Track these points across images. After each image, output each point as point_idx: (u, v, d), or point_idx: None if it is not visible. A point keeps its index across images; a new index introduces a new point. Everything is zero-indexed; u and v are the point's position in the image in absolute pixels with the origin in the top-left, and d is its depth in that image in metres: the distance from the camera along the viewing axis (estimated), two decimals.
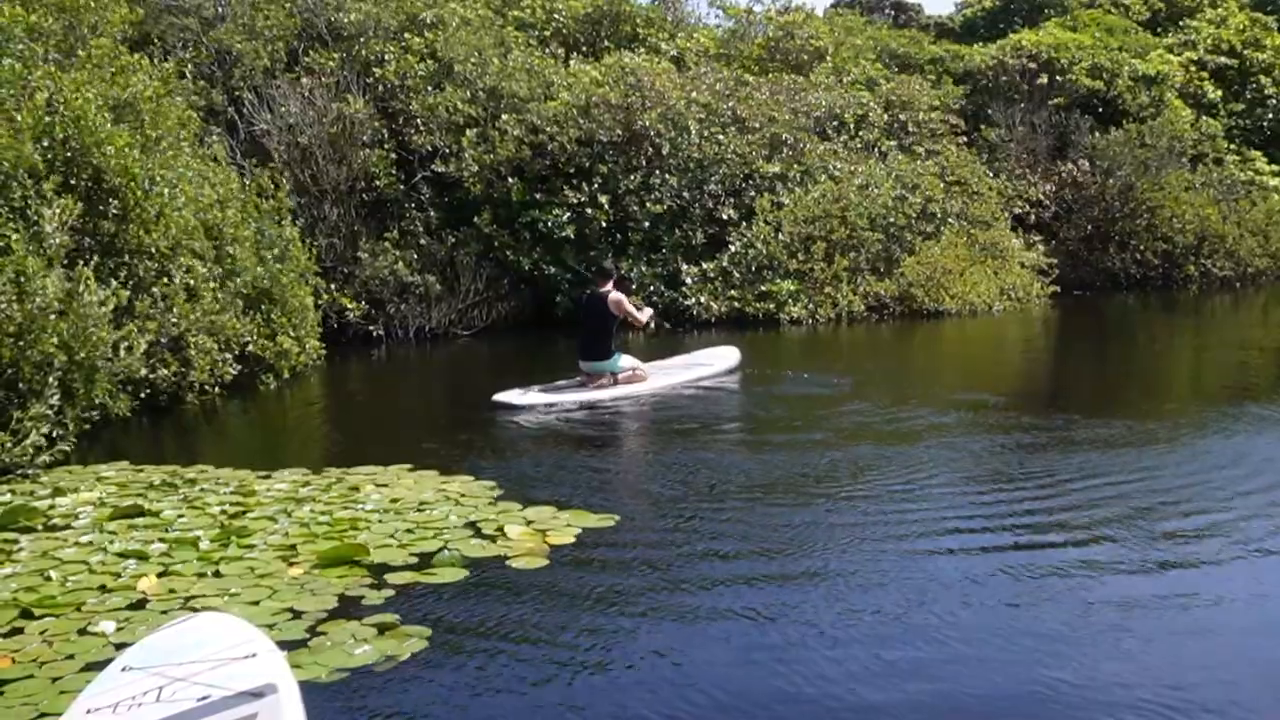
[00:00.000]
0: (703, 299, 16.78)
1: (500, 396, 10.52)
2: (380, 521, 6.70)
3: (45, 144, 9.73)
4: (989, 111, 23.33)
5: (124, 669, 3.96)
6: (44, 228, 8.87)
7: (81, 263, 9.21)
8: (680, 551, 6.18)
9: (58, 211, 9.03)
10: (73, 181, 9.84)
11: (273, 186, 13.40)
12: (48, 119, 9.77)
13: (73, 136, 9.86)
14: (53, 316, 8.42)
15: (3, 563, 6.09)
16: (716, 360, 12.34)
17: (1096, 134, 22.79)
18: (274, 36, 16.55)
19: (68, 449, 8.58)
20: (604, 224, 16.54)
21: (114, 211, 10.10)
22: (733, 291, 16.98)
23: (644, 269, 16.65)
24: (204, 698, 3.67)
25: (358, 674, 4.69)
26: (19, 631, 5.16)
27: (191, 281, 10.76)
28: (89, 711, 3.73)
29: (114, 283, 9.57)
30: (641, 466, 8.91)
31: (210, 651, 3.99)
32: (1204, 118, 24.82)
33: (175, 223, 10.64)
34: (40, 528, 6.69)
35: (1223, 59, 26.42)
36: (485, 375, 13.55)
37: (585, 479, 8.03)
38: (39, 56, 10.69)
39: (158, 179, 10.57)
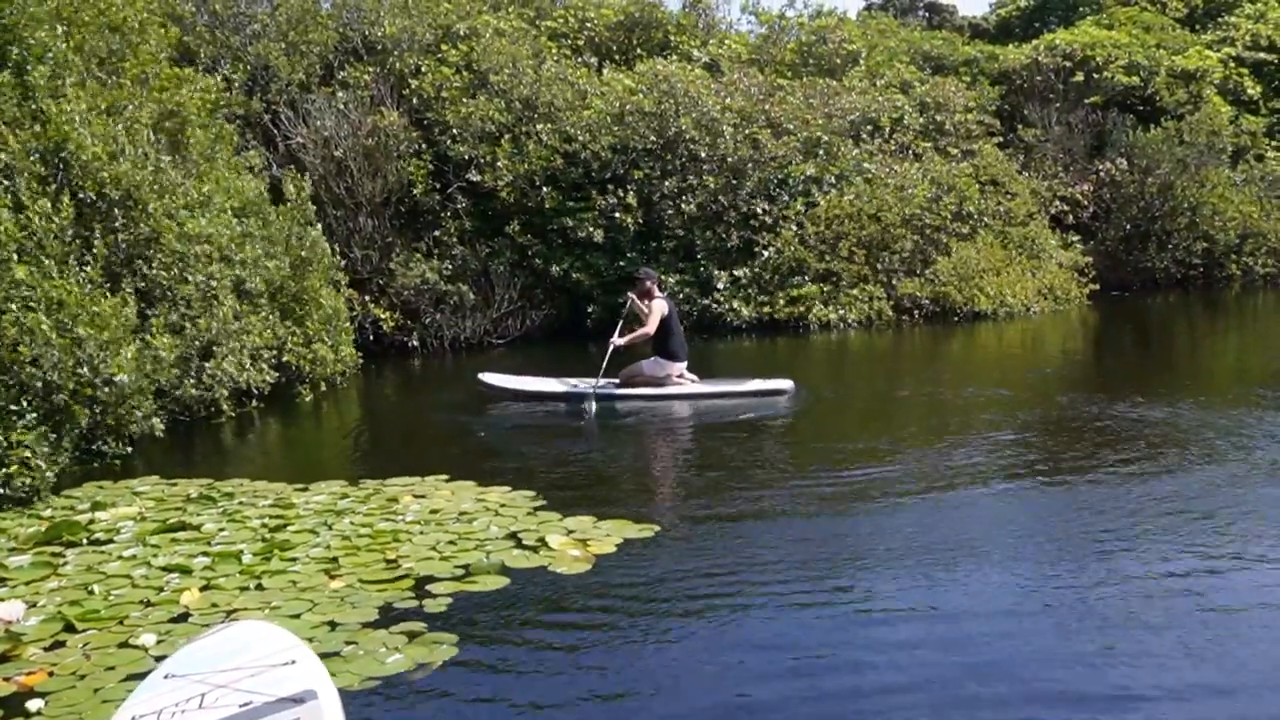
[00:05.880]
0: (734, 305, 16.69)
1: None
2: (421, 533, 6.69)
3: (58, 159, 9.80)
4: (1025, 111, 23.13)
5: (166, 676, 3.99)
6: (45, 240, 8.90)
7: (101, 282, 9.29)
8: (722, 563, 6.12)
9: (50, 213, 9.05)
10: (82, 195, 9.89)
11: (295, 192, 13.36)
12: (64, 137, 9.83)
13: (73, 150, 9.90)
14: (51, 344, 8.31)
15: (49, 576, 6.13)
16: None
17: (1134, 132, 22.50)
18: (310, 51, 16.62)
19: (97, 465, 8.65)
20: (633, 229, 16.49)
21: (121, 222, 10.14)
22: (762, 296, 16.88)
23: (676, 276, 16.57)
24: (246, 704, 3.69)
25: (391, 682, 4.70)
26: (61, 645, 5.19)
27: (209, 286, 10.73)
28: (133, 719, 3.73)
29: (129, 295, 9.62)
30: (683, 473, 8.85)
31: (251, 659, 4.01)
32: (1244, 115, 24.45)
33: (198, 231, 10.67)
34: (84, 542, 6.73)
35: (1262, 54, 26.04)
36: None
37: (625, 487, 7.99)
38: (78, 69, 10.75)
39: (166, 183, 10.61)
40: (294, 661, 3.97)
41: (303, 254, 12.43)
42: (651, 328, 11.30)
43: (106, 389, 8.75)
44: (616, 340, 11.33)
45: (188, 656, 4.15)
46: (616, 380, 11.39)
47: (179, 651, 4.27)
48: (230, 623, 4.64)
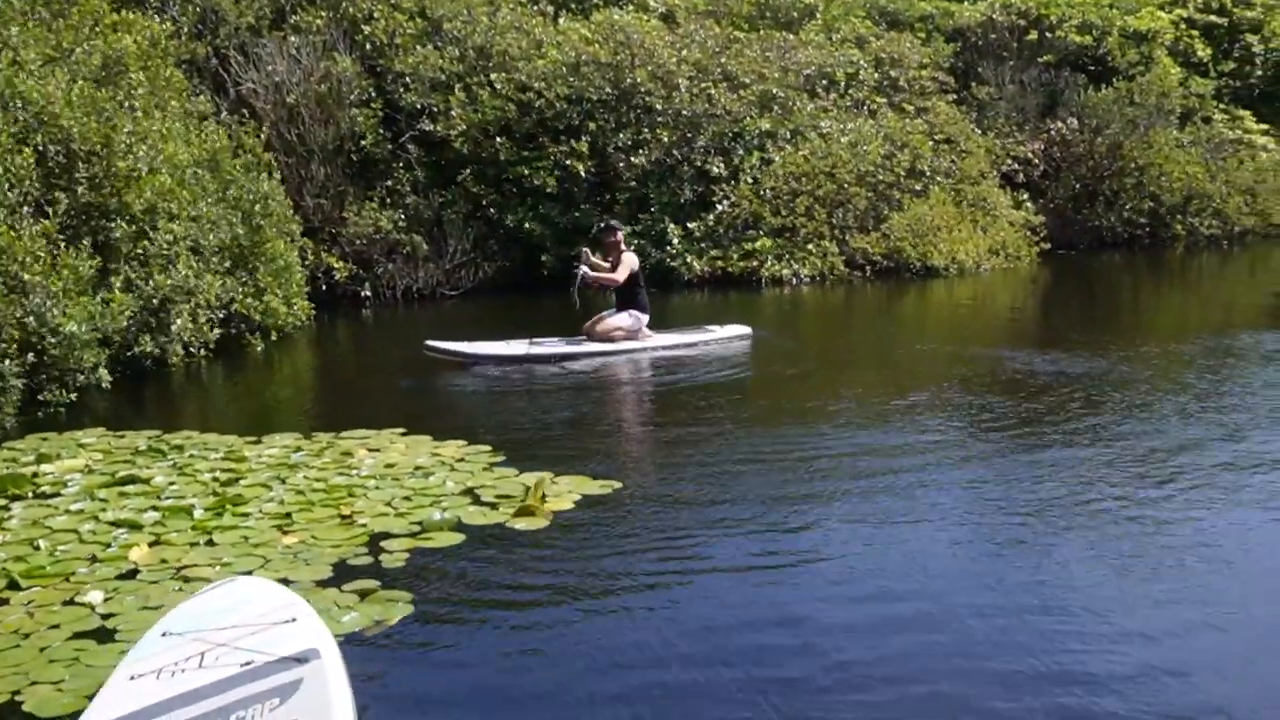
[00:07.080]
0: (687, 259, 16.63)
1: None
2: (376, 488, 6.64)
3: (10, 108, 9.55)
4: (979, 69, 23.16)
5: (164, 634, 3.94)
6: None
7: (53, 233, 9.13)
8: (678, 521, 6.12)
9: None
10: (41, 148, 9.64)
11: (251, 142, 13.22)
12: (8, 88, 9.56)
13: (30, 104, 9.65)
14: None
15: None
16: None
17: (1085, 92, 22.64)
18: None
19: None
20: (585, 176, 16.33)
21: (83, 176, 9.90)
22: (714, 251, 16.83)
23: (629, 227, 16.44)
24: (247, 663, 3.65)
25: (346, 640, 4.64)
26: (4, 602, 5.10)
27: (168, 244, 10.53)
28: (131, 678, 3.70)
29: (85, 249, 9.43)
30: (642, 429, 8.85)
31: (249, 616, 3.97)
32: (1193, 77, 24.66)
33: (151, 184, 10.43)
34: (30, 495, 6.61)
35: (1212, 17, 26.23)
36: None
37: (584, 443, 7.95)
38: (19, 12, 10.46)
39: (132, 141, 10.37)
40: (294, 619, 3.93)
41: (257, 207, 12.22)
42: (621, 277, 11.25)
43: (54, 338, 8.58)
44: (585, 270, 11.19)
45: (185, 614, 4.09)
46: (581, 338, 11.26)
47: (176, 608, 4.21)
48: (227, 579, 4.57)
